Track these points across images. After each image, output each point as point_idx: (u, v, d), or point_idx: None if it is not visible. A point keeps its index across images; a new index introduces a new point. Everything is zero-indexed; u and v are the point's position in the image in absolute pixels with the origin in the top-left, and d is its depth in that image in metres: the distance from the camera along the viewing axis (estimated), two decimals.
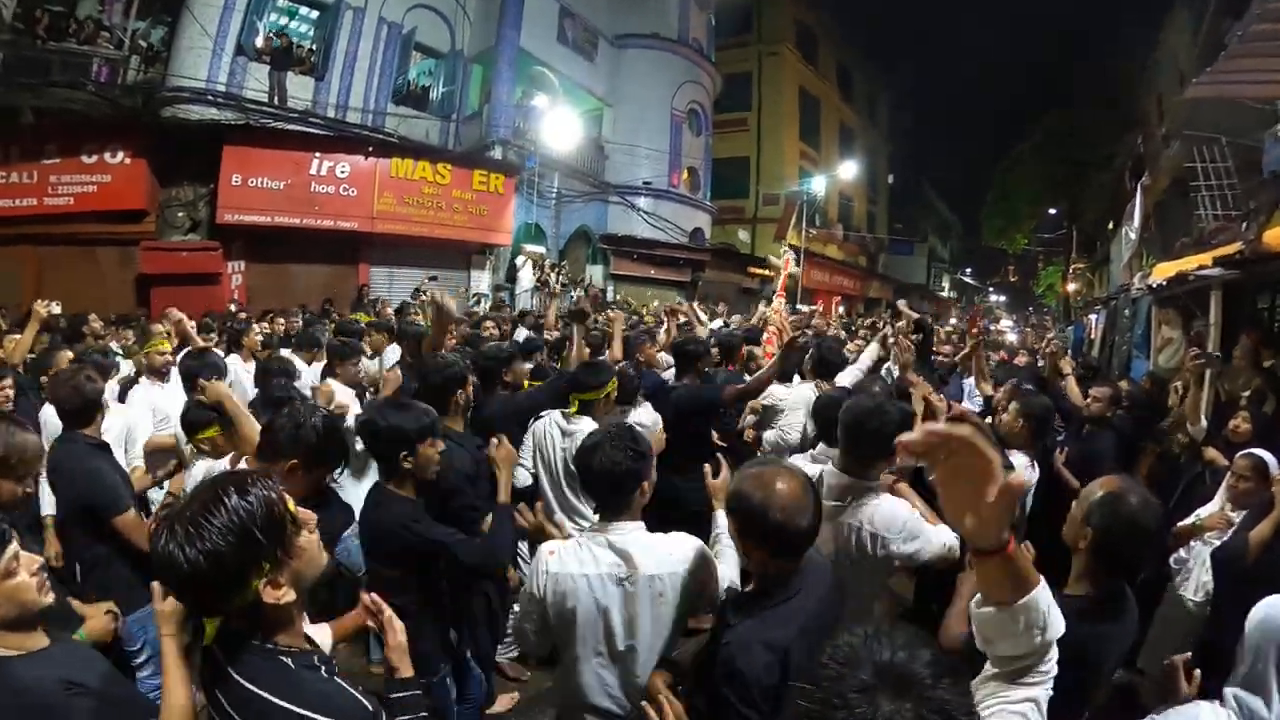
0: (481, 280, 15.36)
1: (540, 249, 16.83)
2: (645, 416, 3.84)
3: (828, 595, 1.76)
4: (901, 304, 6.80)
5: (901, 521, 2.34)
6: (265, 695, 1.21)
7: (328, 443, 2.19)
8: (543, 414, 3.63)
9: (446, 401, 3.02)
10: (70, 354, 4.53)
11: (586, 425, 3.28)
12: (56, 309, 4.51)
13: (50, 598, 1.49)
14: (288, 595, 1.26)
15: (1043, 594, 1.08)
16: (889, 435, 2.27)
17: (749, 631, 1.64)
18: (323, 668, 1.33)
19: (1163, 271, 8.42)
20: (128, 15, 11.43)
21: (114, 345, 6.33)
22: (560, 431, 3.46)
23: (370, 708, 1.31)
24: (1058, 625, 1.12)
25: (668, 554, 1.96)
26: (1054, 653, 1.15)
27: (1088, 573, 1.84)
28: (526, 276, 15.52)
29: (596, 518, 2.15)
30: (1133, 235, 14.45)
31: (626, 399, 3.81)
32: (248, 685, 1.23)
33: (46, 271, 10.49)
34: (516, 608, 2.52)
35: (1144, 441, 4.83)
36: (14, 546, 1.43)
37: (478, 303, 13.46)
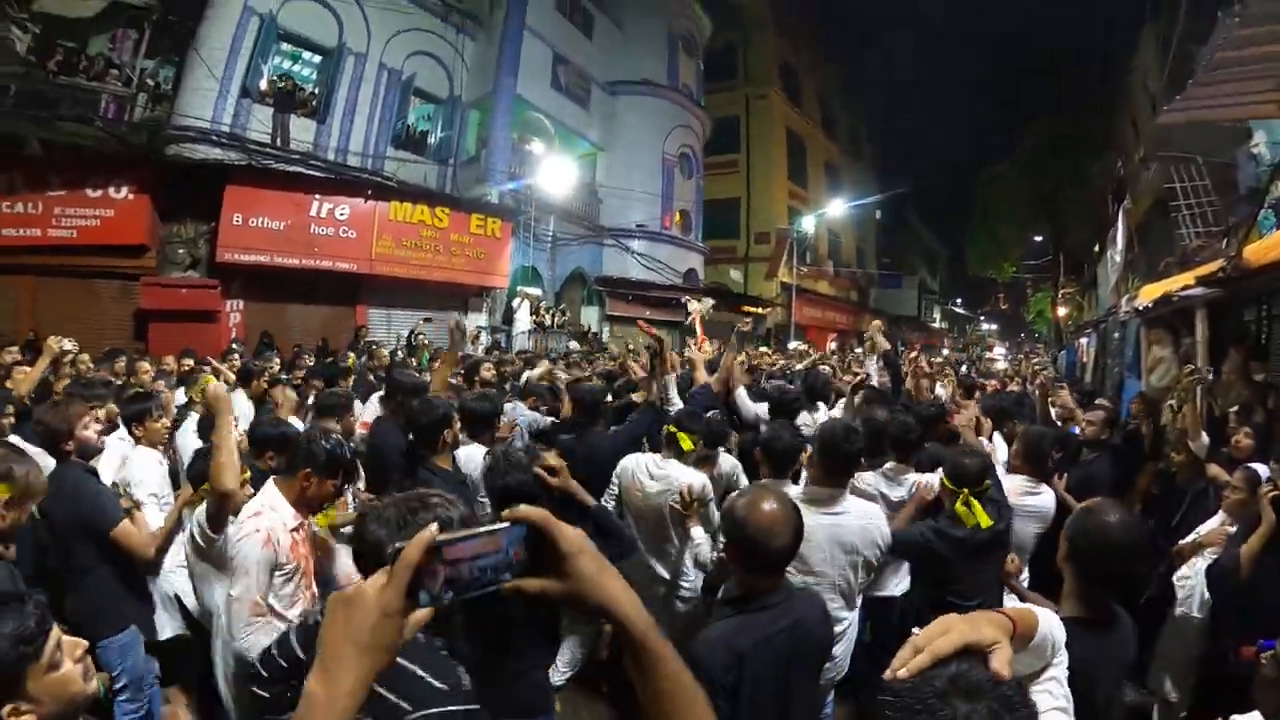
0: (479, 322, 15.46)
1: (536, 291, 16.99)
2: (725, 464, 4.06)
3: (809, 622, 1.90)
4: (876, 325, 6.26)
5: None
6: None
7: (336, 458, 2.51)
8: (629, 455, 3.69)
9: (436, 441, 3.23)
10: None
11: (675, 469, 3.37)
12: (69, 345, 4.43)
13: (94, 685, 1.44)
14: None
15: (1045, 627, 1.20)
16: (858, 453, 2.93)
17: (718, 631, 1.85)
18: (440, 643, 1.59)
19: (1149, 293, 8.50)
20: (137, 54, 11.73)
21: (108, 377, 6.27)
22: (649, 475, 3.45)
23: (457, 685, 1.50)
24: (1061, 636, 1.26)
25: None
26: (1064, 653, 1.28)
27: (1074, 591, 1.86)
28: (523, 318, 15.62)
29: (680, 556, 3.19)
30: (1118, 258, 14.64)
31: (715, 442, 3.95)
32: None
33: (44, 302, 10.42)
34: None
35: (1140, 461, 4.86)
36: (56, 633, 1.36)
37: (476, 337, 13.51)
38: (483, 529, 0.78)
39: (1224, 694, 2.50)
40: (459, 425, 3.45)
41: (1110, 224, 16.47)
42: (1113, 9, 20.52)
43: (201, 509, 2.64)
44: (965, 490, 2.96)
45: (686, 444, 3.38)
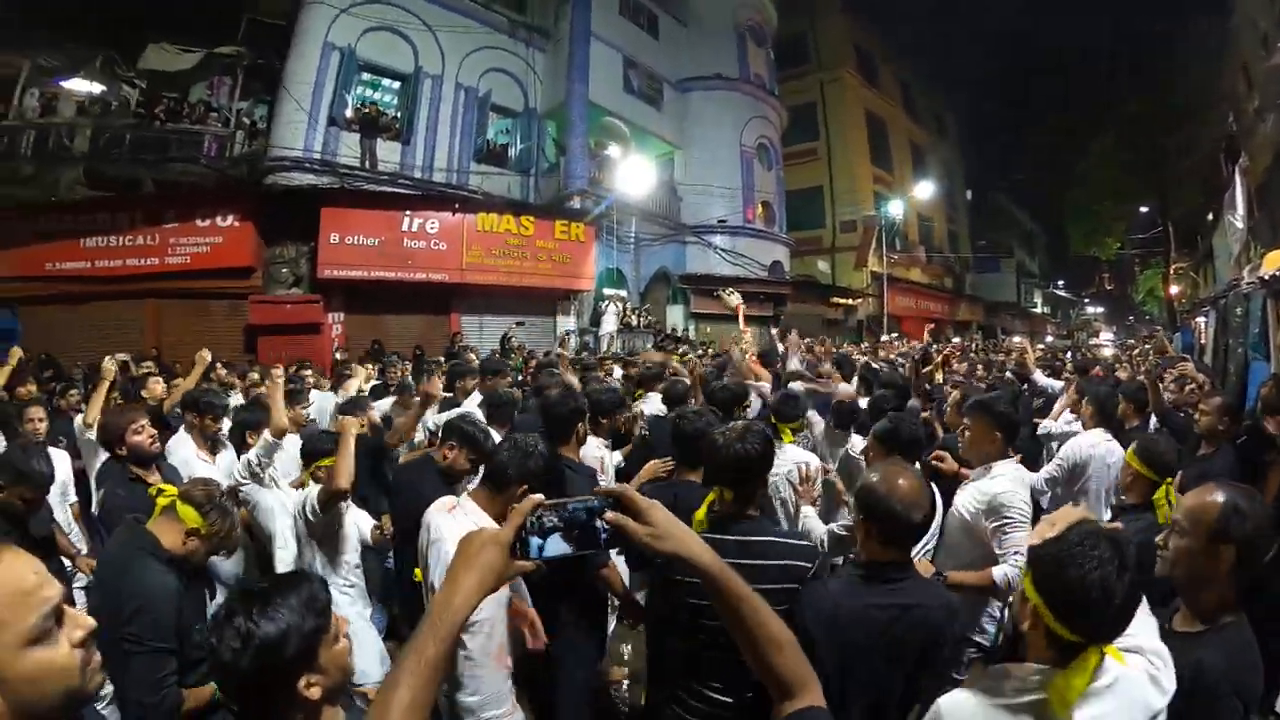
0: (568, 325, 15.52)
1: (622, 292, 16.91)
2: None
3: (926, 609, 1.83)
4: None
5: None
6: (757, 537, 2.00)
7: (549, 471, 2.41)
8: None
9: (570, 433, 3.24)
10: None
11: (789, 451, 3.52)
12: (208, 356, 5.12)
13: (354, 661, 1.42)
14: None
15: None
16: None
17: (824, 587, 1.95)
18: None
19: (1275, 260, 7.48)
20: (232, 97, 12.87)
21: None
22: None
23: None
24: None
25: None
26: None
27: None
28: (610, 320, 15.55)
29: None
30: (1238, 224, 13.08)
31: (846, 423, 4.38)
32: (748, 538, 1.99)
33: (165, 322, 11.53)
34: None
35: (1269, 454, 4.02)
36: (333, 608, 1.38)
37: (565, 340, 13.50)
38: (574, 499, 1.01)
39: None
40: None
41: (1225, 187, 14.73)
42: None
43: (314, 491, 2.90)
44: (1169, 481, 2.64)
45: (786, 438, 3.60)
